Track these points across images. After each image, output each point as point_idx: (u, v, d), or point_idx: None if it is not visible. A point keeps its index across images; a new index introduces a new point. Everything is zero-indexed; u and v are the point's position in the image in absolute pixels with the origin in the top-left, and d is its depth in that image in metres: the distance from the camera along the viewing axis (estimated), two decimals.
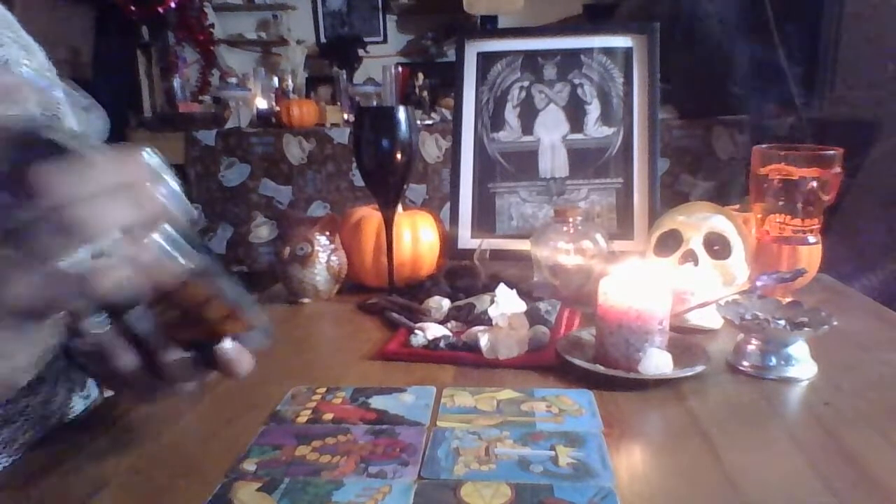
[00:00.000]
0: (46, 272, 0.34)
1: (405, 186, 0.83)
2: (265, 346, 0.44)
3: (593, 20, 3.48)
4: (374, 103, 2.95)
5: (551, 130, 1.05)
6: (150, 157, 0.38)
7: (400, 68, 3.21)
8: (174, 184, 0.38)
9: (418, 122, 2.70)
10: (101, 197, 0.34)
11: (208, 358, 0.44)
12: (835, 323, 0.60)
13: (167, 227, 0.38)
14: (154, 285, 0.38)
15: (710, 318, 0.71)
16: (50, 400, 0.59)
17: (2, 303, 0.34)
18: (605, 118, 1.04)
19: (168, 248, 0.38)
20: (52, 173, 0.33)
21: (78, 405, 0.64)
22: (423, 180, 2.67)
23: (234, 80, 3.29)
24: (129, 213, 0.35)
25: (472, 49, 1.08)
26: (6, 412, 0.54)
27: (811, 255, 0.79)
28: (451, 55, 3.82)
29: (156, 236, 0.37)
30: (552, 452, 0.47)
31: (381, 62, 3.53)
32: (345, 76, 3.19)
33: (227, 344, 0.44)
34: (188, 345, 0.43)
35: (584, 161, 1.04)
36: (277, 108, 2.87)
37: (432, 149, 2.67)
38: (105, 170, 0.34)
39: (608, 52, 1.05)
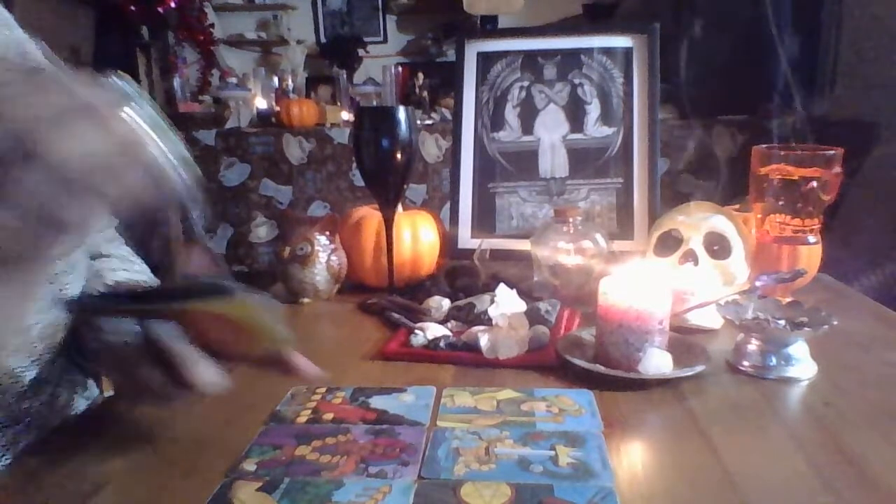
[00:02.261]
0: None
1: (405, 186, 0.83)
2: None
3: (593, 20, 3.48)
4: (374, 103, 2.95)
5: (551, 130, 1.05)
6: (117, 82, 0.36)
7: (400, 68, 3.21)
8: (148, 107, 0.36)
9: (418, 122, 2.70)
10: (63, 121, 0.32)
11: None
12: (835, 323, 0.60)
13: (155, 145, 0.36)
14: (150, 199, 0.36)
15: (710, 318, 0.71)
16: (53, 402, 0.59)
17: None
18: (605, 118, 1.04)
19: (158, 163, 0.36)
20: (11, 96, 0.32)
21: (80, 405, 0.64)
22: (423, 180, 2.67)
23: (234, 80, 3.29)
24: (95, 136, 0.33)
25: (472, 49, 1.08)
26: (10, 414, 0.54)
27: (811, 255, 0.79)
28: (451, 55, 3.82)
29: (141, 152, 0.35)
30: (552, 452, 0.47)
31: (381, 62, 3.53)
32: (345, 76, 3.19)
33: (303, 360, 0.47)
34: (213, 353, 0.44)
35: (584, 161, 1.04)
36: (277, 108, 2.87)
37: (432, 149, 2.67)
38: (64, 92, 0.33)
39: (608, 52, 1.05)
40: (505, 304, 0.68)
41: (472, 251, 0.90)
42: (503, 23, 3.65)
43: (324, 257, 0.83)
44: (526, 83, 1.06)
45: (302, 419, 0.54)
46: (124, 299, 0.50)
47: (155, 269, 0.67)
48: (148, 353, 0.46)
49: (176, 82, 3.61)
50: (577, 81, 1.05)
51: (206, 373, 0.44)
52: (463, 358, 0.65)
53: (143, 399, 0.50)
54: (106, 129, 0.34)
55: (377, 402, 0.56)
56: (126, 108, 0.35)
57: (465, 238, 1.04)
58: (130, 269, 0.65)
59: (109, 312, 0.50)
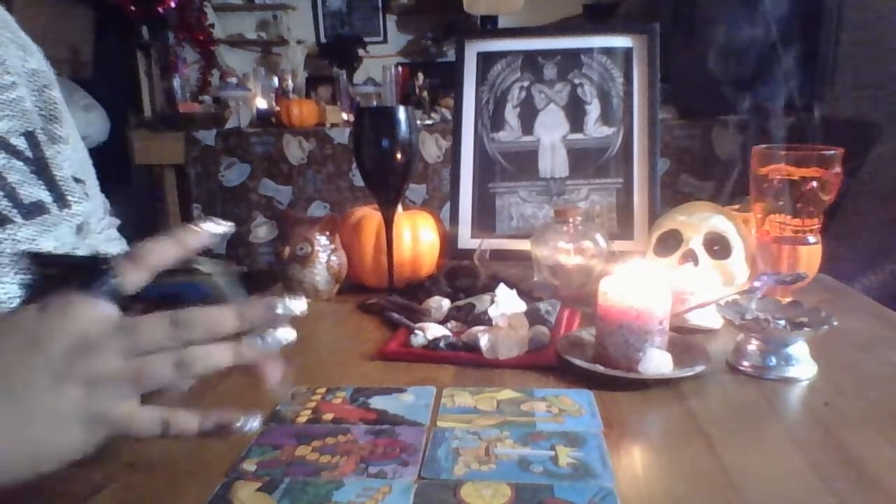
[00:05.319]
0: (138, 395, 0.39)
1: (405, 186, 0.83)
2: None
3: (593, 20, 3.48)
4: (374, 103, 2.95)
5: (551, 130, 1.05)
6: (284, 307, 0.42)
7: (400, 68, 3.21)
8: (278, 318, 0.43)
9: (418, 122, 2.70)
10: (216, 344, 0.40)
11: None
12: (835, 323, 0.60)
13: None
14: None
15: (710, 318, 0.70)
16: None
17: (99, 412, 0.38)
18: (605, 118, 1.04)
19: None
20: (193, 313, 0.40)
21: None
22: (423, 180, 2.67)
23: (234, 80, 3.28)
24: (229, 358, 0.41)
25: (472, 49, 1.08)
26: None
27: (811, 255, 0.79)
28: (451, 55, 3.81)
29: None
30: (552, 452, 0.47)
31: (381, 62, 3.53)
32: (345, 76, 3.19)
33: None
34: None
35: (584, 161, 1.04)
36: (277, 108, 2.87)
37: (432, 149, 2.67)
38: (228, 319, 0.40)
39: (608, 52, 1.05)
40: (505, 304, 0.68)
41: (472, 251, 0.90)
42: (503, 23, 3.64)
43: (324, 257, 0.83)
44: (526, 83, 1.06)
45: (302, 419, 0.54)
46: None
47: None
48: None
49: (176, 82, 3.61)
50: (577, 81, 1.05)
51: (190, 423, 0.44)
52: (463, 358, 0.65)
53: None
54: (240, 355, 0.41)
55: (377, 402, 0.56)
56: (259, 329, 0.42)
57: (465, 238, 1.04)
58: None
59: None
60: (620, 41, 1.05)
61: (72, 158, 0.63)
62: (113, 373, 0.38)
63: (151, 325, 0.39)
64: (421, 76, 3.22)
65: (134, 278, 0.40)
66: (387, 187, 0.82)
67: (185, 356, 0.39)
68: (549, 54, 1.06)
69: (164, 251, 0.41)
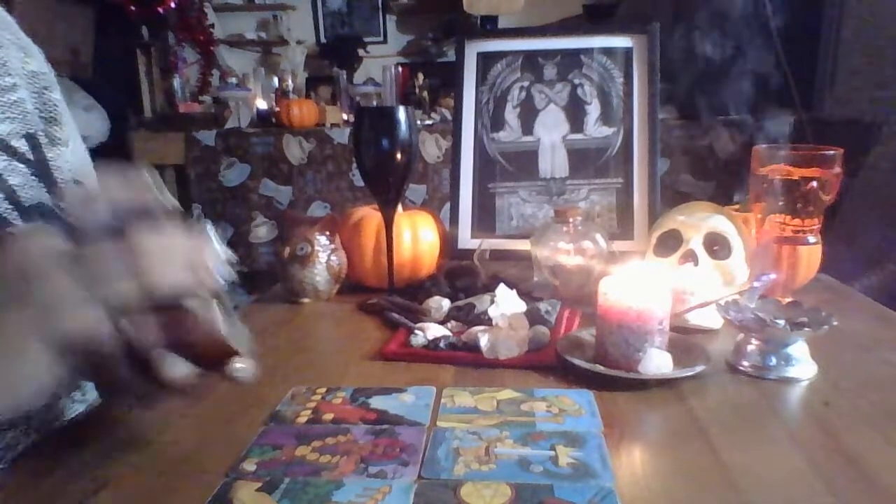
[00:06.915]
0: (100, 308, 0.38)
1: (405, 186, 0.83)
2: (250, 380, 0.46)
3: (593, 20, 3.48)
4: (374, 103, 2.95)
5: (551, 130, 1.05)
6: (210, 231, 0.44)
7: (400, 68, 3.21)
8: (222, 253, 0.44)
9: (418, 122, 2.70)
10: (171, 260, 0.40)
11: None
12: (835, 323, 0.60)
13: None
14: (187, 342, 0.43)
15: (710, 318, 0.71)
16: (53, 405, 0.59)
17: (56, 329, 0.38)
18: (605, 118, 1.04)
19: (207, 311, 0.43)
20: (142, 231, 0.40)
21: (80, 407, 0.64)
22: (423, 180, 2.67)
23: (234, 80, 3.29)
24: (185, 277, 0.41)
25: (472, 49, 1.08)
26: (9, 418, 0.54)
27: (811, 255, 0.79)
28: (451, 55, 3.82)
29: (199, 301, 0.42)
30: (552, 452, 0.47)
31: (381, 62, 3.53)
32: (345, 76, 3.20)
33: (238, 365, 0.46)
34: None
35: (584, 161, 1.04)
36: (277, 108, 2.88)
37: (432, 149, 2.67)
38: (180, 242, 0.41)
39: (608, 52, 1.05)
40: (505, 304, 0.68)
41: (472, 251, 0.90)
42: (503, 23, 3.64)
43: (324, 257, 0.83)
44: (526, 83, 1.06)
45: (302, 419, 0.54)
46: None
47: None
48: (120, 353, 0.46)
49: (176, 82, 3.61)
50: (577, 81, 1.05)
51: (174, 368, 0.44)
52: (463, 358, 0.65)
53: (121, 398, 0.50)
54: (194, 272, 0.41)
55: (377, 402, 0.56)
56: (210, 253, 0.43)
57: (465, 238, 1.04)
58: None
59: None
60: (620, 41, 1.05)
61: (72, 160, 0.63)
62: (63, 292, 0.38)
63: (100, 251, 0.39)
64: (421, 76, 3.22)
65: (87, 215, 0.40)
66: (387, 187, 0.82)
67: (138, 269, 0.39)
68: (549, 54, 1.06)
69: (115, 191, 0.41)
